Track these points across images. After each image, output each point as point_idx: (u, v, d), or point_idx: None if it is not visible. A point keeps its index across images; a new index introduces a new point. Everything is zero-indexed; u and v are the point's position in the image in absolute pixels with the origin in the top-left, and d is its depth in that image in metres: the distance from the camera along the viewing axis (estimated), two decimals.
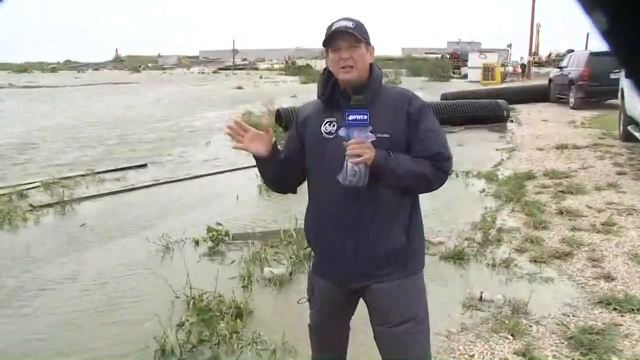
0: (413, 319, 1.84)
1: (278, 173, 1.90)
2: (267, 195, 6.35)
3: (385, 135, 1.73)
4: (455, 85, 24.10)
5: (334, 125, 1.80)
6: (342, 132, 1.71)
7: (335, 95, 1.82)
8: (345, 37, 1.74)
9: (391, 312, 1.84)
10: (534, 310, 3.25)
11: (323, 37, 1.78)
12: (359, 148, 1.66)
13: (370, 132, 1.68)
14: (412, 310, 1.85)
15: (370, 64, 1.81)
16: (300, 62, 47.18)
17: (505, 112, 12.08)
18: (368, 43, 1.79)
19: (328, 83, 1.84)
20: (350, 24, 1.75)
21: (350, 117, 1.68)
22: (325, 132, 1.81)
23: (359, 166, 1.67)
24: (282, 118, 10.55)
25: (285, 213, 5.21)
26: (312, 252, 2.02)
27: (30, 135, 11.87)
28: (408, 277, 1.85)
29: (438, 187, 1.85)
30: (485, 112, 11.88)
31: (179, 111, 16.81)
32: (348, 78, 1.76)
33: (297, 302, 2.08)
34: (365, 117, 1.67)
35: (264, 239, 4.64)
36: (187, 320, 3.07)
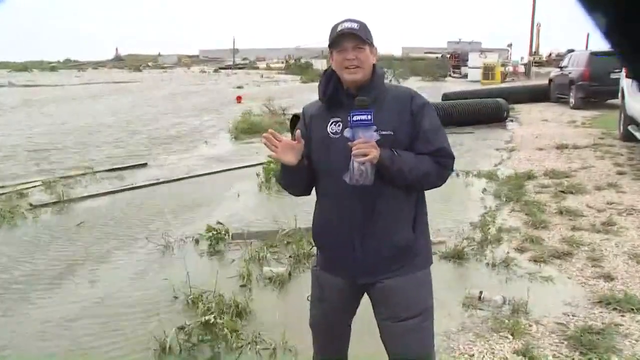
0: (421, 314, 1.88)
1: (300, 179, 1.92)
2: (267, 194, 6.35)
3: (389, 133, 1.76)
4: (451, 86, 24.09)
5: (339, 125, 1.82)
6: (347, 133, 1.74)
7: (338, 95, 1.85)
8: (350, 38, 1.77)
9: (400, 307, 1.86)
10: (533, 310, 3.25)
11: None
12: (365, 147, 1.68)
13: (375, 131, 1.71)
14: (420, 305, 1.89)
15: (373, 65, 1.85)
16: (301, 61, 47.14)
17: (505, 112, 12.09)
18: (372, 44, 1.83)
19: (329, 84, 1.86)
20: (355, 26, 1.78)
21: (355, 118, 1.71)
22: (332, 132, 1.84)
23: (365, 165, 1.70)
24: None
25: (285, 212, 5.21)
26: (318, 251, 2.03)
27: (37, 137, 11.88)
28: (416, 272, 1.88)
29: (442, 184, 1.90)
30: (486, 111, 11.87)
31: (178, 110, 16.81)
32: (353, 78, 1.80)
33: (307, 299, 2.09)
34: (369, 117, 1.70)
35: (264, 238, 4.64)
36: (189, 325, 3.05)
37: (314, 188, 1.98)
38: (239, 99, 18.28)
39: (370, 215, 1.81)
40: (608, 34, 0.46)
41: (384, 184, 1.76)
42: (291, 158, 1.82)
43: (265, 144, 1.83)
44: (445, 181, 1.89)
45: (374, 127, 1.70)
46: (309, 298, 2.09)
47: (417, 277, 1.89)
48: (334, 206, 1.87)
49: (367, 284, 1.89)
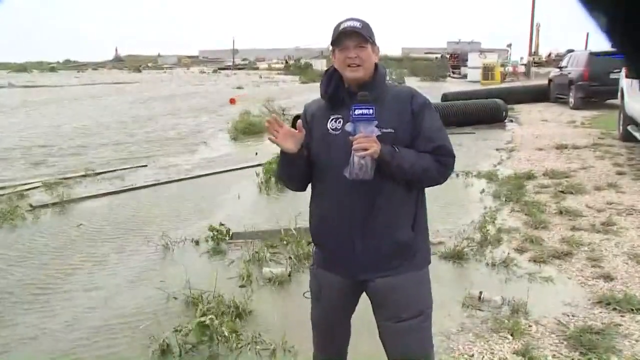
0: (420, 314, 1.88)
1: (299, 170, 1.92)
2: (267, 194, 6.36)
3: (390, 131, 1.77)
4: (450, 86, 24.09)
5: (339, 122, 1.83)
6: (348, 127, 1.74)
7: (339, 93, 1.86)
8: (352, 37, 1.79)
9: (399, 307, 1.86)
10: (533, 310, 3.25)
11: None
12: (366, 142, 1.69)
13: (376, 127, 1.71)
14: (419, 305, 1.88)
15: (375, 63, 1.86)
16: (301, 62, 47.20)
17: (503, 112, 12.11)
18: (374, 43, 1.84)
19: (331, 81, 1.87)
20: (357, 24, 1.79)
21: (357, 112, 1.71)
22: (332, 129, 1.84)
23: (365, 160, 1.70)
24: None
25: (284, 213, 5.22)
26: (315, 248, 2.03)
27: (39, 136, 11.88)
28: (415, 271, 1.88)
29: (443, 181, 1.89)
30: (485, 112, 11.90)
31: (177, 111, 16.81)
32: (355, 76, 1.81)
33: (303, 295, 2.09)
34: (371, 111, 1.70)
35: (264, 238, 4.64)
36: (186, 326, 3.04)
37: (309, 185, 1.98)
38: (232, 101, 18.20)
39: (370, 211, 1.81)
40: (609, 33, 0.46)
41: (384, 180, 1.77)
42: (291, 145, 1.82)
43: (267, 127, 1.84)
44: (446, 179, 1.89)
45: (375, 122, 1.71)
46: (306, 295, 2.08)
47: (416, 276, 1.88)
48: (333, 203, 1.87)
49: (366, 281, 1.89)
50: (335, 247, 1.89)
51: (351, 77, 1.81)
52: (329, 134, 1.84)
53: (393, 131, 1.77)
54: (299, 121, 1.85)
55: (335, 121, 1.84)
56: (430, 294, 1.94)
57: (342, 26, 1.80)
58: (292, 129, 1.84)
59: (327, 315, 2.05)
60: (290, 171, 1.95)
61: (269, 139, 1.86)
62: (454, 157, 1.87)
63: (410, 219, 1.86)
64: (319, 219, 1.95)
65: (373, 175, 1.72)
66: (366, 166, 1.71)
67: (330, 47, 1.86)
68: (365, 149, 1.68)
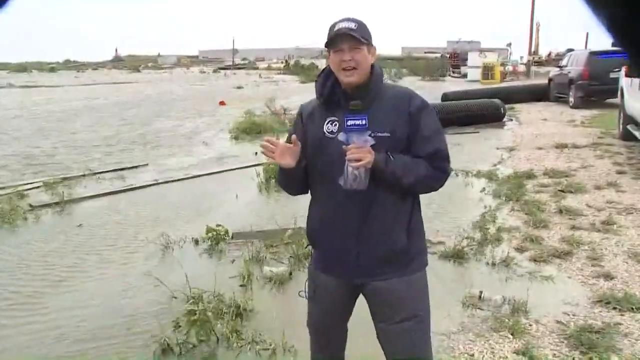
0: (416, 317, 1.86)
1: (299, 179, 1.91)
2: (267, 194, 6.36)
3: (386, 134, 1.74)
4: (450, 85, 24.09)
5: (336, 125, 1.81)
6: (341, 137, 1.73)
7: (335, 94, 1.83)
8: (347, 38, 1.74)
9: (394, 310, 1.85)
10: (533, 309, 3.25)
11: (324, 37, 1.78)
12: (359, 152, 1.67)
13: (372, 131, 1.70)
14: (415, 308, 1.87)
15: (372, 64, 1.82)
16: (301, 62, 47.22)
17: (502, 111, 12.12)
18: (370, 44, 1.79)
19: (327, 83, 1.84)
20: (352, 25, 1.75)
21: (349, 123, 1.70)
22: (328, 132, 1.82)
23: (359, 170, 1.69)
24: None
25: (284, 213, 5.22)
26: (313, 250, 2.03)
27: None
28: (410, 275, 1.87)
29: (439, 187, 1.87)
30: (483, 111, 11.91)
31: (178, 112, 16.81)
32: (349, 80, 1.77)
33: (298, 294, 2.09)
34: (364, 122, 1.69)
35: (264, 238, 4.64)
36: (181, 321, 3.04)
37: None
38: (221, 103, 18.24)
39: (365, 219, 1.79)
40: (611, 31, 0.46)
41: (379, 188, 1.75)
42: (289, 160, 1.81)
43: (263, 152, 1.83)
44: (442, 184, 1.87)
45: (369, 132, 1.69)
46: (301, 294, 2.07)
47: (412, 279, 1.87)
48: (329, 209, 1.86)
49: (362, 284, 1.89)
50: (331, 251, 1.89)
51: (345, 82, 1.78)
52: (325, 137, 1.82)
53: (389, 135, 1.75)
54: (294, 136, 1.83)
55: (332, 124, 1.81)
56: (427, 296, 1.93)
57: (336, 27, 1.75)
58: (288, 144, 1.81)
59: (323, 317, 2.04)
60: (291, 182, 1.95)
61: (267, 159, 1.85)
62: (449, 161, 1.85)
63: (405, 225, 1.84)
64: (314, 223, 1.95)
65: (368, 184, 1.72)
66: (360, 176, 1.70)
67: (325, 49, 1.83)
68: (359, 160, 1.67)
